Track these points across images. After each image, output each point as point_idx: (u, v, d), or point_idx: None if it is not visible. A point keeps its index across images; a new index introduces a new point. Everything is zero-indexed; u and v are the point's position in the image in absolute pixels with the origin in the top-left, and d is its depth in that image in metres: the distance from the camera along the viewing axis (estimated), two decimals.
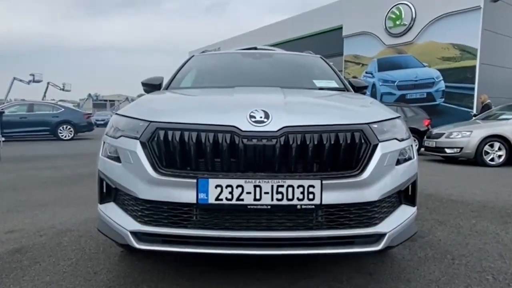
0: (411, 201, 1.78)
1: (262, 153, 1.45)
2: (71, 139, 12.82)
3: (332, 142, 1.49)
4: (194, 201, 1.44)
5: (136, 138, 1.58)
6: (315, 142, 1.48)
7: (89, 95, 56.39)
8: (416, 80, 11.74)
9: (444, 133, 7.55)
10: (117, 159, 1.66)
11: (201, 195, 1.43)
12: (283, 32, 17.80)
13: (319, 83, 2.78)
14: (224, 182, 1.43)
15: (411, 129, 8.43)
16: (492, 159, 7.02)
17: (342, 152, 1.50)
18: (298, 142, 1.46)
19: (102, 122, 27.59)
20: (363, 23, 13.28)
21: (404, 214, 1.69)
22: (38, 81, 35.06)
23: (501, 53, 11.07)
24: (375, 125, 1.61)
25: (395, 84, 12.31)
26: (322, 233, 1.48)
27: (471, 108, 10.36)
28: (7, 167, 6.03)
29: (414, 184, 1.80)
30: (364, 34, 13.36)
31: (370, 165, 1.52)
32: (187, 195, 1.45)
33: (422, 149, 8.47)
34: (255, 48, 4.99)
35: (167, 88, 2.73)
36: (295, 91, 2.21)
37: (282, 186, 1.42)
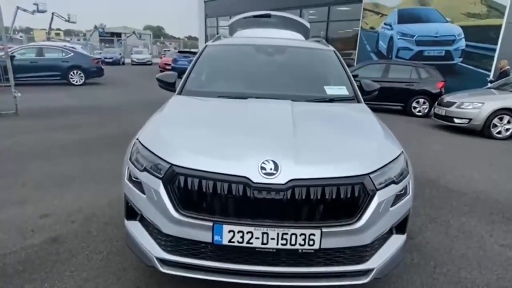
0: (402, 231, 1.99)
1: (270, 203, 1.64)
2: (82, 84, 12.91)
3: (333, 195, 1.66)
4: (210, 240, 1.68)
5: (159, 178, 1.77)
6: (318, 195, 1.65)
7: (95, 27, 54.74)
8: (436, 36, 11.18)
9: (455, 102, 7.48)
10: (141, 189, 1.87)
11: (216, 237, 1.67)
12: None
13: (330, 90, 2.83)
14: (236, 228, 1.65)
15: (423, 91, 8.33)
16: (499, 132, 7.06)
17: (342, 202, 1.68)
18: (303, 196, 1.64)
19: (110, 60, 27.21)
20: None
21: (393, 245, 1.91)
22: (43, 11, 34.02)
23: None
24: (375, 174, 1.76)
25: (414, 39, 11.74)
26: (319, 269, 1.74)
27: (489, 71, 10.02)
28: (26, 126, 6.30)
29: (407, 216, 1.99)
30: None
31: (366, 213, 1.71)
32: (205, 235, 1.68)
33: (432, 113, 8.45)
34: (268, 16, 4.89)
35: (181, 90, 2.81)
36: (304, 115, 2.28)
37: (287, 233, 1.64)
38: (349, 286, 1.90)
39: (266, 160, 1.69)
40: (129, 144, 2.13)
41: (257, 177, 1.65)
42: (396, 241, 1.94)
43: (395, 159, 1.93)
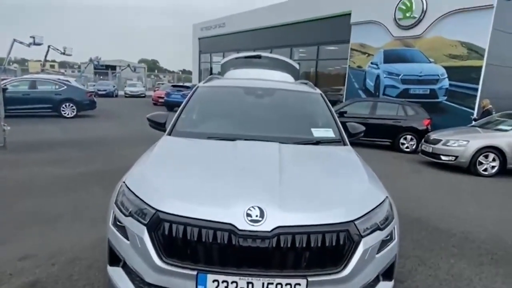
0: (389, 277, 1.98)
1: (255, 251, 1.63)
2: (74, 117, 12.93)
3: (319, 243, 1.66)
4: None
5: (143, 224, 1.75)
6: (304, 243, 1.65)
7: (90, 59, 55.68)
8: (420, 76, 11.65)
9: (441, 140, 7.67)
10: (125, 233, 1.84)
11: (200, 287, 1.63)
12: (291, 12, 17.36)
13: (316, 132, 2.90)
14: (220, 277, 1.62)
15: (410, 128, 8.56)
16: (485, 169, 7.20)
17: (327, 251, 1.68)
18: (289, 243, 1.64)
19: (104, 92, 27.50)
20: (372, 11, 12.95)
21: None
22: (39, 44, 34.48)
23: (510, 54, 10.91)
24: (360, 221, 1.78)
25: (400, 77, 12.22)
26: None
27: (473, 109, 10.38)
28: (13, 160, 6.22)
29: (393, 262, 1.98)
30: (372, 23, 13.07)
31: (352, 261, 1.71)
32: (188, 285, 1.65)
33: (419, 149, 8.61)
34: (259, 57, 5.08)
35: (171, 131, 2.85)
36: (291, 160, 2.32)
37: (272, 283, 1.62)
38: None
39: (252, 207, 1.70)
40: (116, 186, 2.12)
41: (243, 224, 1.65)
42: (384, 287, 1.92)
43: (379, 204, 1.96)
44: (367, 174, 2.27)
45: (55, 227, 3.49)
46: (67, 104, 12.84)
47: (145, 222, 1.75)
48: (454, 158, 7.38)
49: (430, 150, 7.86)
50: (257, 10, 20.42)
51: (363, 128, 3.16)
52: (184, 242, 1.67)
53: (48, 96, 12.50)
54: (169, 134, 2.84)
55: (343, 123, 3.15)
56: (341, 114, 10.09)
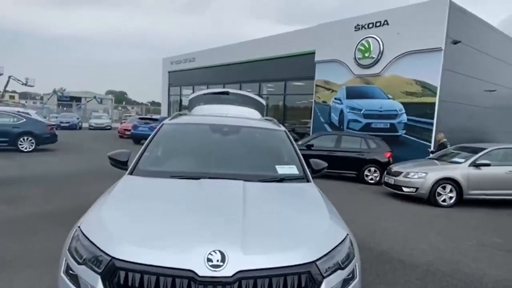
0: None
1: None
2: (32, 151, 12.27)
3: (281, 287, 1.64)
4: None
5: (97, 273, 1.65)
6: (266, 287, 1.62)
7: (54, 91, 54.00)
8: (380, 111, 12.34)
9: (402, 172, 8.02)
10: (78, 283, 1.72)
11: None
12: (259, 50, 18.07)
13: (281, 169, 2.94)
14: None
15: (373, 160, 8.86)
16: (444, 200, 7.56)
17: None
18: None
19: (67, 125, 26.49)
20: (335, 51, 13.79)
21: None
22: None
23: (460, 91, 11.91)
24: (322, 260, 1.78)
25: (362, 112, 12.86)
26: None
27: (430, 142, 11.04)
28: None
29: None
30: (335, 62, 13.86)
31: None
32: None
33: (383, 181, 8.92)
34: (227, 93, 5.18)
35: (133, 170, 2.78)
36: (255, 199, 2.32)
37: None
38: None
39: (213, 251, 1.66)
40: (70, 232, 2.01)
41: (203, 270, 1.60)
42: None
43: (341, 242, 1.98)
44: (328, 211, 2.31)
45: (2, 276, 3.18)
46: (26, 137, 12.20)
47: (100, 271, 1.65)
48: (415, 189, 7.71)
49: (392, 182, 8.17)
50: (226, 47, 21.05)
51: (325, 164, 3.25)
52: None
53: (5, 130, 11.83)
54: (131, 173, 2.76)
55: (307, 160, 3.23)
56: (309, 147, 10.38)
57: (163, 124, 3.44)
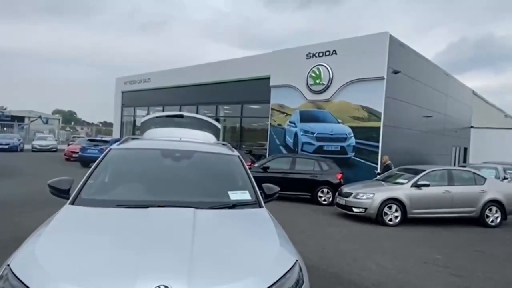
0: None
1: None
2: None
3: None
4: None
5: None
6: None
7: None
8: (331, 134, 12.96)
9: (352, 193, 8.39)
10: None
11: None
12: (215, 73, 18.27)
13: (233, 195, 2.95)
14: None
15: (326, 181, 9.19)
16: (390, 220, 7.99)
17: None
18: None
19: (6, 147, 24.32)
20: (288, 77, 14.39)
21: None
22: None
23: (402, 116, 12.95)
24: None
25: (314, 135, 13.40)
26: None
27: (376, 164, 11.74)
28: None
29: None
30: (288, 87, 14.43)
31: None
32: None
33: (335, 202, 9.24)
34: (181, 116, 5.14)
35: (75, 199, 2.62)
36: (205, 227, 2.30)
37: None
38: None
39: (158, 286, 1.61)
40: None
41: None
42: None
43: (290, 269, 2.01)
44: (278, 237, 2.35)
45: None
46: None
47: None
48: (364, 210, 8.08)
49: (343, 203, 8.50)
50: (183, 68, 21.01)
51: (278, 189, 3.33)
52: None
53: None
54: (72, 202, 2.59)
55: (260, 184, 3.28)
56: (264, 169, 10.52)
57: (110, 149, 3.31)
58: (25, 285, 1.62)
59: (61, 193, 2.77)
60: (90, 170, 2.96)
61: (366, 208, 8.04)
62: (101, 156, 3.20)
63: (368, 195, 8.15)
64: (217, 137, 5.00)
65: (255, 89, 16.12)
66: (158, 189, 2.92)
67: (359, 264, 4.99)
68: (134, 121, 25.36)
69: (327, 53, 13.25)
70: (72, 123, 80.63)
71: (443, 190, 8.36)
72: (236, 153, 3.71)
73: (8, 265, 1.79)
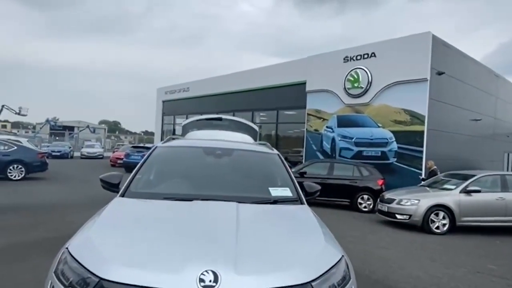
0: None
1: None
2: (22, 179, 12.05)
3: None
4: None
5: None
6: None
7: (47, 120, 53.85)
8: (371, 139, 12.54)
9: (395, 199, 8.03)
10: None
11: None
12: (251, 80, 18.49)
13: (274, 191, 2.94)
14: None
15: (366, 188, 8.80)
16: (437, 227, 7.53)
17: None
18: None
19: (58, 154, 26.20)
20: (325, 81, 14.20)
21: None
22: None
23: (447, 119, 12.25)
24: (317, 281, 1.76)
25: (353, 140, 13.04)
26: None
27: (420, 169, 11.16)
28: None
29: None
30: (325, 92, 14.23)
31: None
32: None
33: (376, 208, 8.89)
34: (220, 119, 5.26)
35: (124, 192, 2.75)
36: (249, 219, 2.32)
37: None
38: None
39: (206, 271, 1.63)
40: (57, 254, 1.95)
41: None
42: None
43: (336, 263, 1.96)
44: (323, 233, 2.30)
45: None
46: (15, 165, 12.03)
47: None
48: (408, 216, 7.69)
49: (386, 210, 8.15)
50: (220, 77, 21.51)
51: (319, 187, 3.27)
52: None
53: None
54: (122, 195, 2.73)
55: (300, 183, 3.24)
56: (301, 175, 10.38)
57: (156, 147, 3.45)
58: (82, 265, 1.72)
59: (112, 187, 2.93)
60: (137, 167, 3.10)
61: (410, 215, 7.65)
62: (147, 153, 3.35)
63: (412, 201, 7.76)
64: (255, 138, 5.04)
65: (291, 95, 16.07)
66: (202, 184, 2.99)
67: (406, 272, 4.74)
68: (174, 129, 26.24)
69: (366, 56, 12.93)
70: (117, 132, 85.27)
71: (496, 196, 7.76)
72: (275, 151, 3.71)
73: (67, 248, 1.91)
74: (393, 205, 7.98)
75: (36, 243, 4.98)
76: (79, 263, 1.75)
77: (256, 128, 5.43)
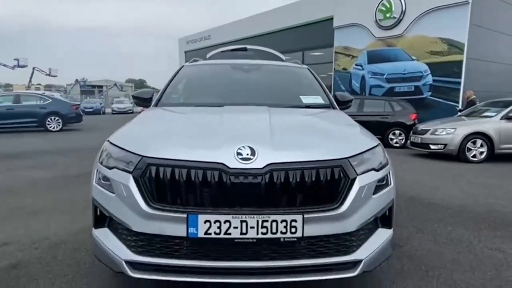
0: (388, 224, 1.91)
1: (248, 189, 1.55)
2: (60, 130, 12.70)
3: (313, 179, 1.59)
4: (185, 234, 1.54)
5: (129, 172, 1.66)
6: (298, 179, 1.58)
7: (77, 80, 55.33)
8: (404, 74, 11.88)
9: (429, 130, 7.74)
10: (110, 188, 1.74)
11: (191, 230, 1.53)
12: (274, 21, 17.65)
13: (305, 99, 2.86)
14: (212, 217, 1.53)
15: (398, 123, 8.44)
16: (474, 156, 7.26)
17: (323, 187, 1.61)
18: (282, 179, 1.57)
19: (90, 110, 27.25)
20: (354, 14, 13.27)
21: (380, 238, 1.82)
22: (23, 66, 34.21)
23: (489, 47, 11.24)
24: (354, 159, 1.72)
25: (384, 77, 12.43)
26: (303, 262, 1.61)
27: (457, 102, 10.58)
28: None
29: (391, 208, 1.92)
30: (354, 26, 13.37)
31: (348, 198, 1.64)
32: (178, 229, 1.55)
33: (408, 142, 8.67)
34: (245, 49, 5.09)
35: (157, 103, 2.79)
36: (281, 114, 2.29)
37: (267, 221, 1.53)
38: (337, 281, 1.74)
39: (243, 146, 1.63)
40: (101, 148, 2.03)
41: (234, 163, 1.57)
42: (383, 234, 1.86)
43: (373, 148, 1.91)
44: (359, 126, 2.25)
45: (38, 219, 3.33)
46: (53, 117, 12.62)
47: (131, 170, 1.66)
48: (443, 146, 7.44)
49: (419, 141, 7.91)
50: (240, 21, 20.70)
51: (351, 97, 3.14)
52: (172, 186, 1.58)
53: (33, 110, 12.28)
54: (156, 105, 2.77)
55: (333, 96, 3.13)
56: None
57: (182, 66, 3.41)
58: (123, 149, 1.77)
59: (144, 102, 2.96)
60: (166, 83, 3.09)
61: (445, 144, 7.39)
62: (174, 72, 3.31)
63: (448, 130, 7.44)
64: None
65: (317, 33, 15.28)
66: (232, 94, 2.95)
67: (440, 191, 4.66)
68: None
69: None
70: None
71: None
72: (305, 66, 3.57)
73: (108, 140, 1.97)
74: (427, 135, 7.71)
75: (77, 176, 5.31)
76: (121, 148, 1.80)
77: (283, 57, 5.23)
